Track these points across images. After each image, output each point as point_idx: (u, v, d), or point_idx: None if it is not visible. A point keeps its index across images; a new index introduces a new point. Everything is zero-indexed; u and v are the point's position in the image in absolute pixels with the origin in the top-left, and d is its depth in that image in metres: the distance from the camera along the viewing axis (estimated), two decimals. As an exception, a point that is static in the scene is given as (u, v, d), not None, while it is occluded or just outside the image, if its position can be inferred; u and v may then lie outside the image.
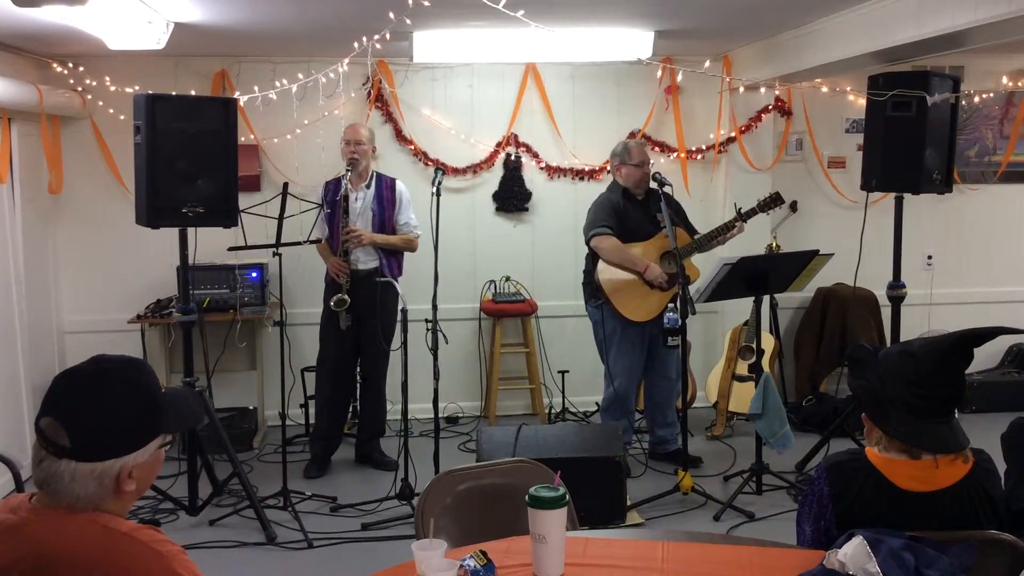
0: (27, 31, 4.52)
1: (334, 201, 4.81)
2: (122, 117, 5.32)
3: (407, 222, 5.03)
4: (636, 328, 4.91)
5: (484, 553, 1.98)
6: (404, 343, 4.37)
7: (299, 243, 4.67)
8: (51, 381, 1.65)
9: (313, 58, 5.57)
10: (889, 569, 1.79)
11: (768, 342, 5.48)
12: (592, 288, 4.96)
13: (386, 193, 4.93)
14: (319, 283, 5.09)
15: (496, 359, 5.90)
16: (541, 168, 6.06)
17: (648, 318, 4.87)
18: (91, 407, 1.60)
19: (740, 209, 4.80)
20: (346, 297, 4.71)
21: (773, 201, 4.84)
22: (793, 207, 6.15)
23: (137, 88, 5.08)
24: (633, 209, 4.92)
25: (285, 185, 4.47)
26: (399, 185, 5.00)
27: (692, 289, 4.47)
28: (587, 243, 4.96)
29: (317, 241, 4.80)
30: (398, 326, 4.46)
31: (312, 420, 5.37)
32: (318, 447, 5.10)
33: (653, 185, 4.75)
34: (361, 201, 4.87)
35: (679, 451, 4.79)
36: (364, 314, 4.86)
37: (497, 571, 1.97)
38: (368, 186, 4.90)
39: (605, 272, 4.93)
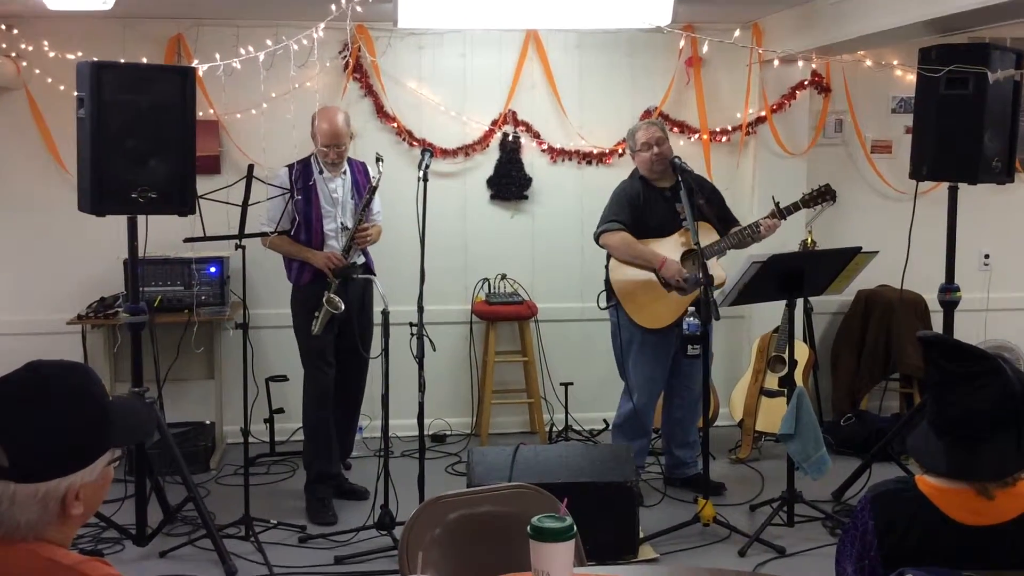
0: (-46, -13, 4.51)
1: (308, 187, 4.80)
2: (62, 88, 5.30)
3: (379, 211, 5.05)
4: (657, 335, 4.91)
5: (479, 592, 1.98)
6: (385, 350, 4.37)
7: (266, 234, 4.66)
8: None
9: (283, 22, 5.56)
10: (942, 613, 1.80)
11: (802, 352, 5.49)
12: (608, 288, 4.99)
13: (361, 179, 4.93)
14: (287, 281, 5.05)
15: (490, 369, 5.91)
16: (543, 150, 6.07)
17: (662, 325, 4.88)
18: (32, 420, 1.60)
19: (778, 204, 4.78)
20: (338, 300, 4.63)
21: (821, 195, 4.78)
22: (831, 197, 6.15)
23: (80, 55, 5.07)
24: (655, 200, 4.91)
25: (250, 167, 4.46)
26: (370, 169, 5.00)
27: (717, 291, 4.48)
28: (596, 242, 4.98)
29: (286, 232, 4.78)
30: (378, 331, 4.45)
31: (304, 454, 5.08)
32: (329, 487, 4.92)
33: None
34: (341, 190, 4.86)
35: (699, 476, 4.80)
36: (352, 316, 4.84)
37: (494, 612, 1.98)
38: (344, 173, 4.89)
39: (616, 271, 4.94)
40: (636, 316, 4.91)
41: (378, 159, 4.76)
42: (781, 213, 4.76)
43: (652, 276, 4.85)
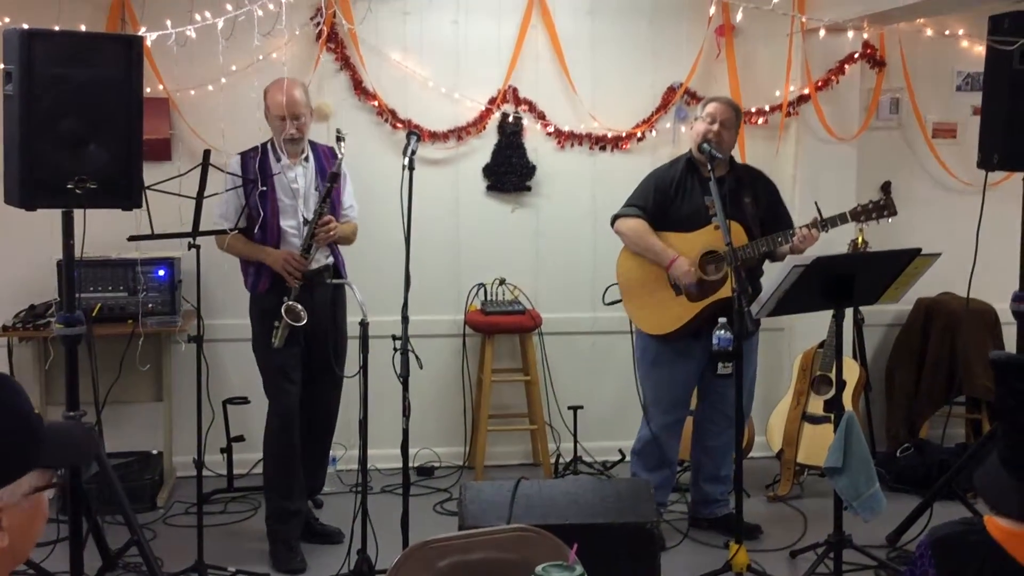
0: None
1: (268, 178, 4.80)
2: (-14, 59, 5.32)
3: (352, 205, 5.07)
4: (675, 347, 4.95)
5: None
6: (363, 368, 4.37)
7: (224, 231, 4.68)
8: None
9: (244, -17, 5.58)
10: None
11: (851, 371, 5.50)
12: None
13: (327, 166, 4.92)
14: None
15: (486, 390, 5.92)
16: (549, 134, 6.09)
17: (662, 332, 4.94)
18: None
19: (821, 212, 4.74)
20: (300, 309, 4.67)
21: (876, 209, 4.77)
22: (885, 190, 6.17)
23: (7, 21, 5.08)
24: (694, 190, 4.95)
25: (206, 153, 4.47)
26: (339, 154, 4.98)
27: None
28: (612, 227, 5.04)
29: (243, 230, 4.78)
30: (356, 344, 4.46)
31: (265, 488, 5.08)
32: (293, 527, 4.92)
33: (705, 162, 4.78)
34: (302, 180, 4.86)
35: (731, 516, 4.81)
36: (320, 327, 4.85)
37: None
38: (307, 159, 4.90)
39: (624, 263, 5.04)
40: (635, 316, 5.01)
41: (339, 137, 4.76)
42: (824, 224, 4.77)
43: (662, 273, 4.91)
